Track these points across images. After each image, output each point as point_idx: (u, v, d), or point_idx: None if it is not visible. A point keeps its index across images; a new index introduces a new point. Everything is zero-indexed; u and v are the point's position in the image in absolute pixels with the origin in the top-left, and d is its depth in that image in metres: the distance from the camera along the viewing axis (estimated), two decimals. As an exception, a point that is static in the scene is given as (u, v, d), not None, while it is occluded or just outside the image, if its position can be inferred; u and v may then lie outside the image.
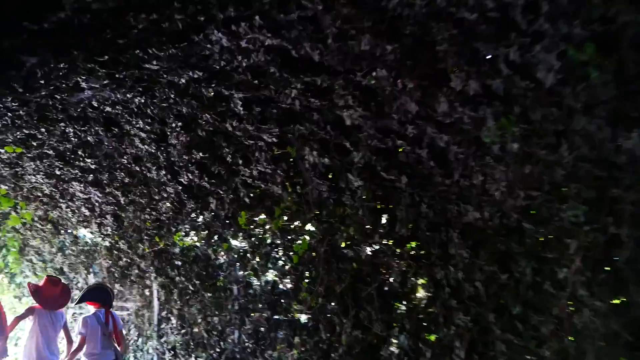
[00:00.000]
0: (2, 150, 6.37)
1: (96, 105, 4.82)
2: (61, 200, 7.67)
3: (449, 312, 3.96)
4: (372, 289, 4.62)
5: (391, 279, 4.54)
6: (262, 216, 5.64)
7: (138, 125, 5.17)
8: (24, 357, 5.70)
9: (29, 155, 6.48)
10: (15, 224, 8.56)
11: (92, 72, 3.89)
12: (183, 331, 6.69)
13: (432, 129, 3.65)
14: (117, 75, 3.97)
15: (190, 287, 6.64)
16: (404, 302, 4.47)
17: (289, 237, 5.39)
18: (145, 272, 7.29)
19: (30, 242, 9.13)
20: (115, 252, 7.65)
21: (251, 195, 5.47)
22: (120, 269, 7.67)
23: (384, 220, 4.49)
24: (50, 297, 5.83)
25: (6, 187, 7.81)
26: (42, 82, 3.77)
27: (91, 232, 7.93)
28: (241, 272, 6.04)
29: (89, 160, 6.15)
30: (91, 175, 6.64)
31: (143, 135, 5.35)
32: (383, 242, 4.51)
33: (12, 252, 9.53)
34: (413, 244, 4.33)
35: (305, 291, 5.25)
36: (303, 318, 5.39)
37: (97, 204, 7.28)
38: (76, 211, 7.73)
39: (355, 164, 4.31)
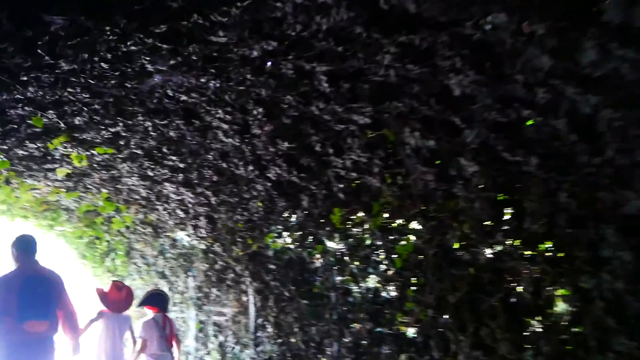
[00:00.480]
0: (95, 152, 6.21)
1: (171, 94, 4.37)
2: (157, 203, 7.48)
3: (605, 334, 2.97)
4: (495, 301, 3.72)
5: (520, 289, 3.61)
6: (360, 214, 4.91)
7: (218, 116, 4.66)
8: (93, 357, 6.06)
9: (121, 156, 6.28)
10: (118, 227, 8.59)
11: (155, 51, 3.40)
12: (279, 340, 6.14)
13: (573, 89, 2.71)
14: (182, 52, 3.45)
15: (286, 293, 6.08)
16: (539, 319, 3.52)
17: (391, 238, 4.61)
18: (240, 276, 6.86)
19: (135, 245, 9.15)
20: (211, 255, 7.32)
21: (345, 189, 4.77)
22: (217, 273, 7.33)
23: (508, 215, 3.57)
24: (115, 301, 6.16)
25: (106, 191, 7.79)
26: (90, 55, 3.29)
27: (187, 235, 7.69)
28: (339, 278, 5.35)
29: (175, 158, 5.80)
30: (181, 174, 6.31)
31: (225, 126, 4.85)
32: (508, 242, 3.59)
33: (119, 255, 9.65)
34: (549, 244, 3.38)
35: (412, 301, 4.45)
36: (410, 332, 4.58)
37: (190, 205, 6.98)
38: (172, 213, 7.51)
39: (468, 144, 3.45)
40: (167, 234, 8.11)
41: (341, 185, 4.71)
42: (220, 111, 4.57)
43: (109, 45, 3.22)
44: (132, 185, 7.28)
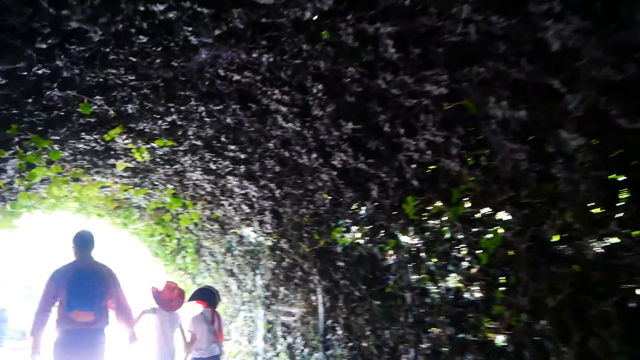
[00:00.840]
0: (155, 145, 5.99)
1: (223, 74, 3.98)
2: (222, 198, 7.20)
3: None
4: (608, 305, 3.03)
5: (641, 291, 2.91)
6: (437, 203, 4.31)
7: (275, 97, 4.23)
8: (147, 351, 6.33)
9: (181, 149, 6.02)
10: (186, 224, 8.42)
11: (196, 18, 3.00)
12: (350, 344, 5.64)
13: None
14: (226, 18, 3.03)
15: (356, 293, 5.57)
16: (669, 328, 2.81)
17: (474, 230, 3.98)
18: (308, 274, 6.43)
19: (203, 242, 8.97)
20: (278, 252, 6.94)
21: (420, 175, 4.19)
22: (284, 271, 6.94)
23: (624, 200, 2.88)
24: (167, 300, 6.38)
25: (172, 187, 7.61)
26: (112, 15, 2.89)
27: (254, 231, 7.35)
28: (414, 276, 4.77)
29: (235, 148, 5.44)
30: (243, 166, 5.96)
31: (284, 109, 4.41)
32: (624, 232, 2.89)
33: (189, 252, 9.52)
34: (681, 235, 2.67)
35: (501, 303, 3.81)
36: (499, 340, 3.95)
37: (254, 199, 6.63)
38: (237, 209, 7.20)
39: (571, 113, 2.80)
40: (234, 230, 7.83)
41: (415, 170, 4.14)
42: (277, 91, 4.13)
43: (137, 7, 2.84)
44: (197, 180, 7.04)
